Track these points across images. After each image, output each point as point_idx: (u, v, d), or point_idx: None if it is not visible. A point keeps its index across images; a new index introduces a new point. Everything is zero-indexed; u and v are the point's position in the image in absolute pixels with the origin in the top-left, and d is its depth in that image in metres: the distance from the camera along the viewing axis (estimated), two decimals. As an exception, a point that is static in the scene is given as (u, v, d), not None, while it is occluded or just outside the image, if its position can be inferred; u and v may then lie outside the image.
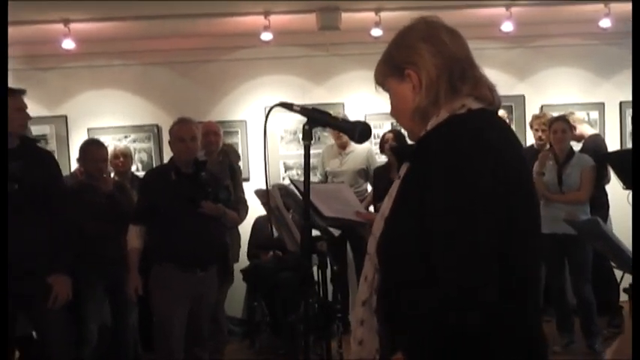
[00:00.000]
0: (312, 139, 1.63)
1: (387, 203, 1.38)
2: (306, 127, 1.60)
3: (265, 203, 2.54)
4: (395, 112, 1.48)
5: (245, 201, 4.64)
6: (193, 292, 3.42)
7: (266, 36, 5.10)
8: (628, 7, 5.28)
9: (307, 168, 1.62)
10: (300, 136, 6.18)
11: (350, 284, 5.24)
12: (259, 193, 3.02)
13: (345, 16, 4.99)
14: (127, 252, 3.53)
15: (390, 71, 1.43)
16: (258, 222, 5.24)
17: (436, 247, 1.20)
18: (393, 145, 4.67)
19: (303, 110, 1.60)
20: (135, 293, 3.53)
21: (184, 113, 4.04)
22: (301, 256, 1.56)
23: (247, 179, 5.47)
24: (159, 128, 5.72)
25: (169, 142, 3.60)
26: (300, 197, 2.72)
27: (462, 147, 1.23)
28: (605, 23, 5.35)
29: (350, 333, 1.48)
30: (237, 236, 4.82)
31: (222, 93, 5.80)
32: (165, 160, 5.47)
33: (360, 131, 1.57)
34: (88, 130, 5.63)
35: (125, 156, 4.89)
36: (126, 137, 5.70)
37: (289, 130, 5.78)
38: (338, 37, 5.39)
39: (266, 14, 4.95)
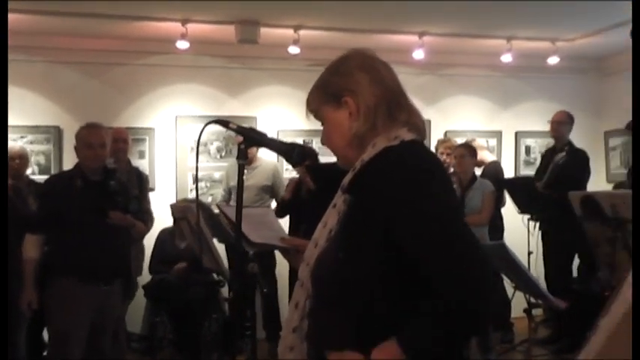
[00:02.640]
0: (247, 158, 1.61)
1: (320, 232, 1.40)
2: (242, 146, 1.58)
3: (182, 218, 2.47)
4: (329, 140, 1.48)
5: (151, 212, 4.50)
6: (96, 306, 3.25)
7: (182, 44, 4.98)
8: (527, 44, 5.69)
9: (240, 187, 1.60)
10: (211, 148, 6.10)
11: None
12: (176, 208, 2.94)
13: (264, 30, 4.99)
14: (22, 262, 3.31)
15: (325, 98, 1.44)
16: (163, 235, 5.07)
17: (432, 263, 1.23)
18: (307, 164, 4.68)
19: (240, 129, 1.58)
20: (29, 308, 3.31)
21: (89, 116, 3.86)
22: (231, 278, 1.53)
23: (153, 189, 5.30)
24: (60, 130, 5.41)
25: (75, 148, 3.41)
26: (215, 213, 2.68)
27: (410, 173, 1.29)
28: (507, 58, 5.73)
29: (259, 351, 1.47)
30: (142, 249, 4.65)
31: (132, 98, 5.58)
32: (66, 164, 5.21)
33: (298, 154, 1.57)
34: (-21, 128, 5.22)
35: (21, 158, 4.57)
36: (22, 138, 5.34)
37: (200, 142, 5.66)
38: (255, 51, 5.37)
39: (184, 22, 4.85)
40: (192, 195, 5.46)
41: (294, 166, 4.94)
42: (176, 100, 5.63)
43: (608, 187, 5.96)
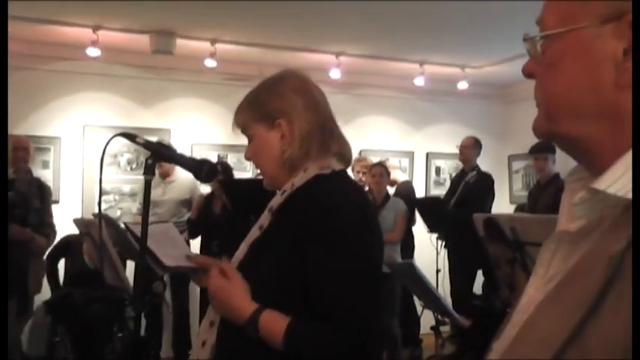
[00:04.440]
0: (154, 174, 1.56)
1: (243, 250, 1.38)
2: (149, 161, 1.52)
3: (86, 233, 2.35)
4: (257, 158, 1.46)
5: (53, 225, 4.27)
6: (-14, 327, 3.03)
7: (93, 51, 4.79)
8: (438, 69, 5.92)
9: (147, 204, 1.54)
10: (121, 160, 5.87)
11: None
12: (79, 223, 2.80)
13: (180, 42, 4.90)
14: None
15: (257, 117, 1.42)
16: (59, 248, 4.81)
17: (330, 294, 1.26)
18: (221, 178, 4.61)
19: (148, 144, 1.52)
20: None
21: (-11, 124, 3.63)
22: (133, 297, 1.46)
23: (57, 202, 5.03)
24: (-46, 137, 5.04)
25: (-30, 156, 3.20)
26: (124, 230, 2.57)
27: (336, 205, 1.30)
28: (420, 81, 5.93)
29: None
30: (42, 264, 4.39)
31: (36, 105, 5.30)
32: (-40, 173, 4.86)
33: (207, 170, 1.53)
34: None
35: None
36: None
37: (109, 153, 5.45)
38: (170, 62, 5.26)
39: (95, 28, 4.67)
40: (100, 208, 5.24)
41: (206, 183, 4.86)
42: (85, 109, 5.40)
43: (511, 208, 6.27)
